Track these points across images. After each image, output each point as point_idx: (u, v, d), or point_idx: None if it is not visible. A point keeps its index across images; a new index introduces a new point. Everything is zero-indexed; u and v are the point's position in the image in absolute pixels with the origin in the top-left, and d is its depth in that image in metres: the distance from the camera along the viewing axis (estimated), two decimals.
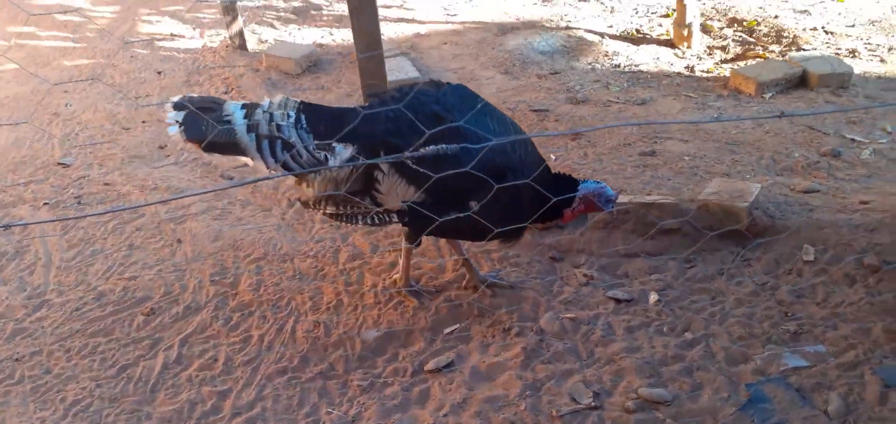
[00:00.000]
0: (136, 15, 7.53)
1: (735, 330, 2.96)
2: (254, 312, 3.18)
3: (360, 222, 2.95)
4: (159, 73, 5.87)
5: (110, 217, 3.96)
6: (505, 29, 6.68)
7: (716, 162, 4.25)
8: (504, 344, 2.97)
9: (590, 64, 5.91)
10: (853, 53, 6.10)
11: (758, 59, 6.12)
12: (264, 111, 2.78)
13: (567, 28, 6.70)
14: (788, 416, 2.54)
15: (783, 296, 3.14)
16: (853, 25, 6.70)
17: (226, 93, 5.47)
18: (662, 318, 3.06)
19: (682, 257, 3.39)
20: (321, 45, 6.28)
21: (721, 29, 6.80)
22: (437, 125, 2.67)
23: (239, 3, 6.60)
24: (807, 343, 2.88)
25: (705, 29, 6.84)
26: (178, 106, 2.81)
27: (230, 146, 2.78)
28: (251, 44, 6.28)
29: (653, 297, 3.18)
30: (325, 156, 2.77)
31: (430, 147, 2.60)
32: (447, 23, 6.89)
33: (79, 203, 4.23)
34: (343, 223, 3.08)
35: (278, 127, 2.75)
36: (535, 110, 5.02)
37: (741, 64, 5.88)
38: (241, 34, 6.15)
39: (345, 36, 6.49)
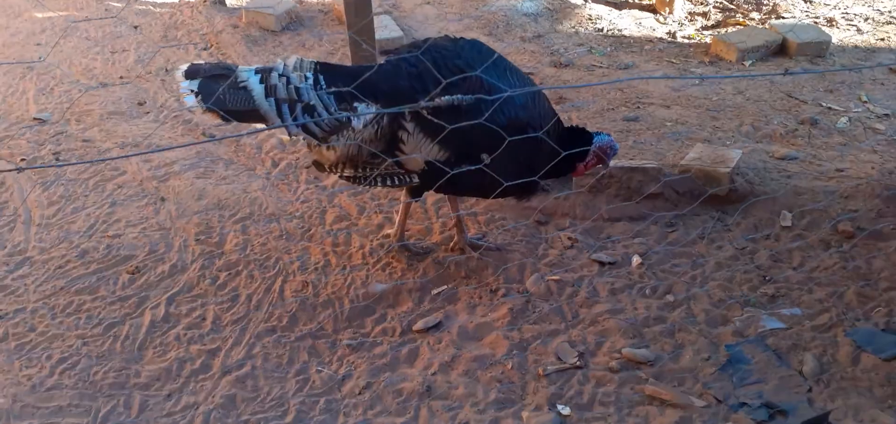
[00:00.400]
0: None
1: (715, 293, 3.04)
2: (241, 271, 3.19)
3: (378, 184, 2.91)
4: (135, 27, 5.74)
5: (91, 174, 3.91)
6: None
7: (698, 128, 4.30)
8: (491, 305, 3.02)
9: (573, 28, 5.90)
10: (831, 22, 6.17)
11: (738, 26, 6.17)
12: (280, 74, 2.69)
13: None
14: (766, 375, 2.63)
15: (762, 260, 3.23)
16: None
17: (205, 49, 5.38)
18: (645, 281, 3.13)
19: (665, 221, 3.46)
20: (302, 2, 6.17)
21: None
22: (465, 81, 2.67)
23: None
24: (784, 306, 2.98)
25: None
26: (189, 73, 2.70)
27: (249, 113, 2.68)
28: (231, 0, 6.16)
29: (635, 260, 3.25)
30: (348, 117, 2.72)
31: (458, 97, 2.54)
32: None
33: (57, 159, 4.16)
34: (359, 185, 3.04)
35: (297, 90, 2.67)
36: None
37: (722, 31, 5.92)
38: None
39: None
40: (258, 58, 5.17)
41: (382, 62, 2.91)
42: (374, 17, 5.51)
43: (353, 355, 2.80)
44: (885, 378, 2.58)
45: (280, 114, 2.66)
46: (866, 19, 6.21)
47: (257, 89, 2.66)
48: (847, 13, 6.38)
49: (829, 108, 4.61)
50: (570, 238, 3.39)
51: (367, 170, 2.87)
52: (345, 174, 2.92)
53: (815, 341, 2.78)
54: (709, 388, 2.58)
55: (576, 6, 6.31)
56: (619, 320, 2.90)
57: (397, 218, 3.27)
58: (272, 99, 2.66)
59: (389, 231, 3.34)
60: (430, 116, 2.62)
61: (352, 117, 2.72)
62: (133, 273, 3.22)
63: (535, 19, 6.03)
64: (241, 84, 2.68)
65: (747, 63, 5.29)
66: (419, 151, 2.78)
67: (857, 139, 4.26)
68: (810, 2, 6.64)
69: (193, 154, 4.00)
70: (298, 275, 3.15)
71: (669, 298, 3.03)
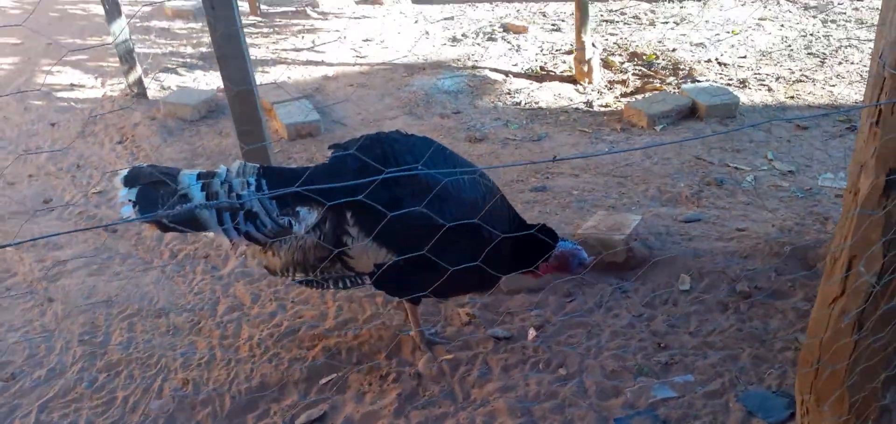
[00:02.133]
0: (37, 65, 7.31)
1: (608, 364, 2.99)
2: (122, 371, 3.05)
3: (330, 287, 2.80)
4: (53, 124, 5.68)
5: None
6: (413, 70, 6.73)
7: (604, 196, 4.34)
8: (381, 391, 2.92)
9: (492, 102, 6.00)
10: (744, 82, 6.37)
11: (655, 91, 6.33)
12: (222, 181, 2.58)
13: (473, 68, 6.81)
14: None
15: (658, 326, 3.20)
16: (745, 57, 7.02)
17: (120, 142, 5.32)
18: (539, 354, 3.07)
19: (563, 291, 3.43)
20: (224, 91, 6.18)
21: (622, 63, 7.01)
22: (412, 180, 2.54)
23: (143, 51, 6.49)
24: (677, 374, 2.93)
25: (607, 64, 7.05)
26: (129, 180, 2.56)
27: (190, 223, 2.57)
28: (152, 91, 6.15)
29: (531, 333, 3.20)
30: (290, 222, 2.61)
31: (410, 209, 2.41)
32: (356, 64, 6.92)
33: None
34: (316, 289, 2.92)
35: (239, 196, 2.55)
36: None
37: (637, 97, 6.06)
38: (140, 82, 6.02)
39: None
40: (172, 149, 5.13)
41: (329, 159, 2.78)
42: (293, 102, 5.54)
43: None
44: None
45: (221, 222, 2.55)
46: (777, 79, 6.42)
47: (198, 197, 2.55)
48: (758, 73, 6.60)
49: (736, 167, 4.71)
50: (468, 314, 3.33)
51: (318, 273, 2.74)
52: (296, 278, 2.79)
53: (706, 408, 2.74)
54: None
55: (496, 81, 6.44)
56: (509, 398, 2.83)
57: (411, 318, 3.09)
58: (213, 208, 2.55)
59: (414, 333, 3.13)
60: (370, 217, 2.47)
61: (293, 223, 2.61)
62: (7, 381, 3.07)
63: (455, 96, 6.11)
64: (182, 191, 2.56)
65: (658, 128, 5.39)
66: (366, 254, 2.64)
67: (761, 197, 4.33)
68: (725, 64, 6.87)
69: (90, 249, 3.90)
70: (180, 372, 3.03)
71: (562, 372, 2.97)
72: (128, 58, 5.86)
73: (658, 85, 6.47)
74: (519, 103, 5.99)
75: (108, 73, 6.97)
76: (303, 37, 8.06)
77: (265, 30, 8.40)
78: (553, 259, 2.88)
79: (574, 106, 5.96)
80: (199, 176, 2.60)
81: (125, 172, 2.60)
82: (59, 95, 6.20)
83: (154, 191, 2.54)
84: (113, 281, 3.65)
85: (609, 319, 3.26)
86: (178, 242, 3.94)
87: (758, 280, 3.41)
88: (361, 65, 6.91)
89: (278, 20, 8.83)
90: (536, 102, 6.00)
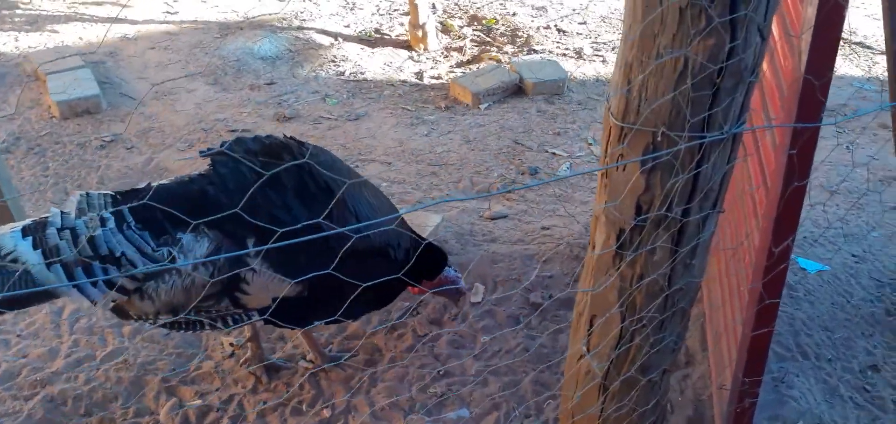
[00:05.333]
0: None
1: (379, 399, 2.69)
2: None
3: (206, 328, 2.31)
4: None
5: None
6: (228, 29, 6.07)
7: (414, 187, 4.02)
8: None
9: (313, 72, 5.50)
10: (579, 53, 6.21)
11: (491, 62, 6.05)
12: (60, 228, 2.00)
13: (300, 28, 6.24)
14: None
15: (441, 349, 2.93)
16: (585, 23, 6.87)
17: None
18: (304, 393, 2.72)
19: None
20: (0, 54, 5.31)
21: (461, 28, 6.68)
22: (329, 200, 2.18)
23: None
24: (451, 408, 2.68)
25: (446, 29, 6.69)
26: None
27: (29, 298, 1.99)
28: None
29: (303, 364, 2.84)
30: (170, 253, 2.06)
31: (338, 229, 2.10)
32: (164, 22, 6.16)
33: None
34: (184, 331, 2.47)
35: (92, 241, 1.99)
36: (233, 131, 4.52)
37: (461, 71, 5.75)
38: None
39: (34, 41, 5.56)
40: None
41: (218, 163, 2.21)
42: (70, 73, 4.80)
43: None
44: None
45: (71, 279, 1.97)
46: (614, 48, 6.31)
47: (34, 261, 1.94)
48: (596, 42, 6.47)
49: (553, 153, 4.51)
50: (231, 345, 2.92)
51: (194, 313, 2.20)
52: (159, 322, 2.24)
53: None
54: None
55: (323, 46, 5.92)
56: None
57: (306, 342, 2.78)
58: (58, 266, 1.96)
59: (310, 357, 2.83)
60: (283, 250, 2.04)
61: (176, 254, 2.06)
62: None
63: (272, 63, 5.56)
64: (9, 259, 1.95)
65: (483, 106, 5.12)
66: (266, 289, 2.19)
67: (574, 188, 4.16)
68: (564, 31, 6.69)
69: None
70: None
71: (326, 413, 2.64)
72: None
73: (495, 54, 6.19)
74: (343, 73, 5.53)
75: None
76: None
77: None
78: (436, 280, 2.72)
79: (402, 78, 5.57)
80: (25, 231, 2.00)
81: None
82: None
83: None
84: None
85: (392, 341, 2.96)
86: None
87: (553, 288, 3.22)
88: (171, 22, 6.16)
89: None
90: (362, 73, 5.56)
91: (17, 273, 1.96)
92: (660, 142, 1.58)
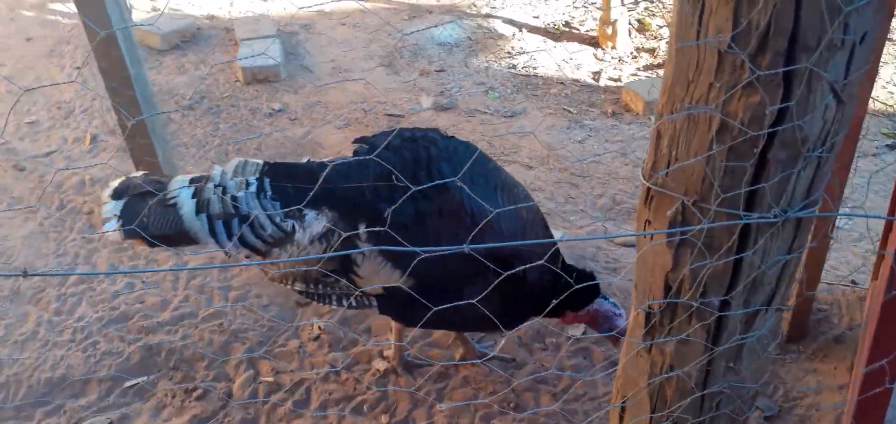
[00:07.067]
0: None
1: (439, 419, 2.56)
2: None
3: (334, 303, 2.44)
4: (29, 39, 5.59)
5: None
6: (417, 11, 6.18)
7: (548, 198, 3.77)
8: (180, 408, 2.63)
9: (486, 63, 5.40)
10: None
11: None
12: (216, 185, 2.27)
13: (487, 16, 6.17)
14: None
15: (520, 377, 2.72)
16: None
17: (79, 68, 5.14)
18: (369, 393, 2.67)
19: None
20: (213, 17, 5.89)
21: (660, 28, 6.16)
22: (442, 194, 2.17)
23: None
24: None
25: (642, 27, 6.21)
26: (118, 193, 2.29)
27: (179, 237, 2.25)
28: (138, 15, 5.93)
29: (377, 363, 2.80)
30: (294, 227, 2.25)
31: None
32: (361, 0, 6.42)
33: None
34: (316, 302, 2.58)
35: (235, 200, 2.23)
36: (390, 115, 4.58)
37: (646, 75, 5.30)
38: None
39: (244, 7, 6.10)
40: None
41: (352, 155, 2.39)
42: (260, 41, 5.19)
43: None
44: None
45: (213, 232, 2.24)
46: None
47: (187, 207, 2.24)
48: None
49: None
50: (319, 328, 2.96)
51: (320, 287, 2.38)
52: (296, 288, 2.45)
53: None
54: None
55: (502, 37, 5.80)
56: None
57: (393, 336, 2.75)
58: (204, 215, 2.24)
59: (388, 352, 2.82)
60: (392, 235, 2.05)
61: (297, 228, 2.25)
62: None
63: (449, 50, 5.55)
64: (170, 201, 2.26)
65: (653, 117, 4.67)
66: (377, 275, 2.24)
67: None
68: None
69: None
70: None
71: (384, 420, 2.57)
72: None
73: None
74: (514, 67, 5.36)
75: None
76: None
77: None
78: (585, 313, 2.40)
79: (576, 77, 5.28)
80: (192, 182, 2.31)
81: (116, 183, 2.34)
82: (52, 7, 6.09)
83: (142, 203, 2.27)
84: None
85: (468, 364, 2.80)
86: (73, 192, 3.74)
87: None
88: (366, 1, 6.41)
89: None
90: (534, 68, 5.35)
91: (172, 215, 2.25)
92: (689, 213, 1.26)
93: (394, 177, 2.14)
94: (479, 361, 2.77)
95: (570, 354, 2.81)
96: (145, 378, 2.74)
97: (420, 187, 2.10)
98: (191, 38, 5.47)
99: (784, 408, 2.50)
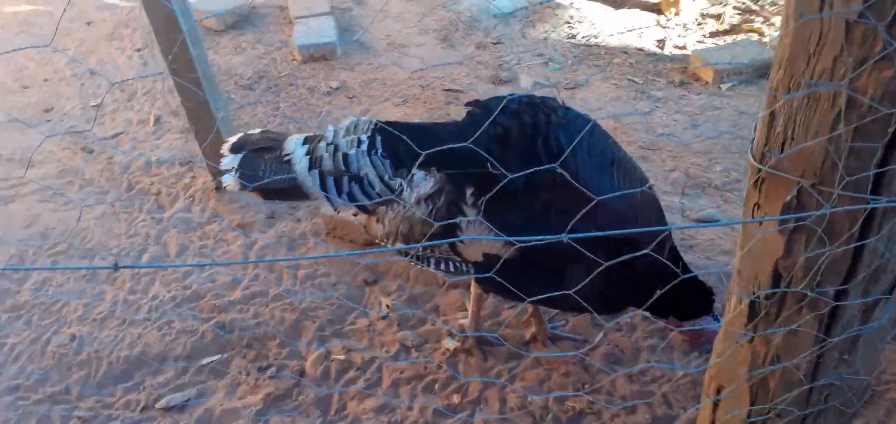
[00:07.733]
0: None
1: (511, 399, 2.53)
2: (22, 316, 3.00)
3: (430, 267, 2.44)
4: (89, 23, 5.70)
5: None
6: None
7: None
8: (254, 385, 2.66)
9: (544, 33, 5.27)
10: None
11: (752, 34, 5.30)
12: (329, 143, 2.33)
13: None
14: None
15: (595, 359, 2.66)
16: None
17: (139, 50, 5.22)
18: (440, 373, 2.66)
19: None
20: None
21: None
22: (558, 165, 2.05)
23: None
24: None
25: None
26: (236, 147, 2.43)
27: (292, 190, 2.35)
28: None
29: (445, 343, 2.77)
30: (401, 186, 2.27)
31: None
32: None
33: None
34: (411, 262, 2.55)
35: (346, 157, 2.30)
36: (448, 90, 4.52)
37: (712, 43, 5.10)
38: None
39: None
40: None
41: (465, 117, 2.35)
42: (316, 18, 5.17)
43: None
44: None
45: (324, 187, 2.31)
46: None
47: (301, 163, 2.33)
48: None
49: None
50: (388, 306, 2.95)
51: (420, 249, 2.38)
52: (395, 246, 2.44)
53: None
54: None
55: (560, 5, 5.66)
56: (381, 422, 2.47)
57: (471, 307, 2.74)
58: (316, 172, 2.31)
59: (463, 322, 2.81)
60: (498, 205, 2.02)
61: (405, 187, 2.27)
62: None
63: (505, 21, 5.45)
64: (285, 157, 2.36)
65: (724, 86, 4.50)
66: (479, 242, 2.21)
67: None
68: None
69: (55, 173, 3.87)
70: (74, 325, 2.93)
71: (456, 399, 2.55)
72: None
73: (758, 26, 5.41)
74: (574, 37, 5.23)
75: None
76: None
77: None
78: (692, 328, 2.31)
79: (639, 45, 5.11)
80: (306, 140, 2.40)
81: (234, 138, 2.47)
82: None
83: (258, 158, 2.39)
84: (58, 212, 3.59)
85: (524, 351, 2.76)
86: (140, 173, 3.81)
87: None
88: None
89: None
90: (596, 37, 5.20)
91: (286, 171, 2.35)
92: (806, 198, 1.18)
93: (508, 142, 2.10)
94: (550, 343, 2.72)
95: (646, 334, 2.74)
96: (219, 356, 2.78)
97: (537, 156, 2.04)
98: (243, 18, 5.49)
99: (877, 392, 2.39)
